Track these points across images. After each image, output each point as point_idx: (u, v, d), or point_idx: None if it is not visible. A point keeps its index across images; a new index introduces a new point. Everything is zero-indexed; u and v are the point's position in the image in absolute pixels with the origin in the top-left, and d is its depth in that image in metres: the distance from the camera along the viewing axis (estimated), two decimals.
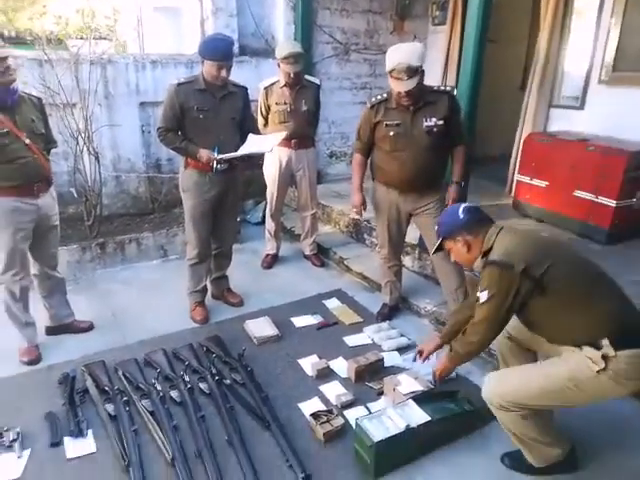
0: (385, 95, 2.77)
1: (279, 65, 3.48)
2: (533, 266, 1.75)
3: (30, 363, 2.73)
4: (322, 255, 4.13)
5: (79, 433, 2.20)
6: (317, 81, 3.80)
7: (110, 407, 2.32)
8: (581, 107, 4.14)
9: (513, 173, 4.43)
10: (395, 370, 2.64)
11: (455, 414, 2.15)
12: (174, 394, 2.43)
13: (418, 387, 2.36)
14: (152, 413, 2.29)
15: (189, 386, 2.45)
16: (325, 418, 2.23)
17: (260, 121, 3.71)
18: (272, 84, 3.62)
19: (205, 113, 2.85)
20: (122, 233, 4.02)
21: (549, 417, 1.99)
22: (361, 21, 5.17)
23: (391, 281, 3.19)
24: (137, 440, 2.15)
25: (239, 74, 3.20)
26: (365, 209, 3.02)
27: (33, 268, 2.81)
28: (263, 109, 3.69)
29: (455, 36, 4.84)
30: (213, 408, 2.37)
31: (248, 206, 5.04)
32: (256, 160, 3.55)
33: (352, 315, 3.25)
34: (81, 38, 4.04)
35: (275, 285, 3.69)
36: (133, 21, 6.17)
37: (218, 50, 2.75)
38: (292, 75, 3.45)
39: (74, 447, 2.15)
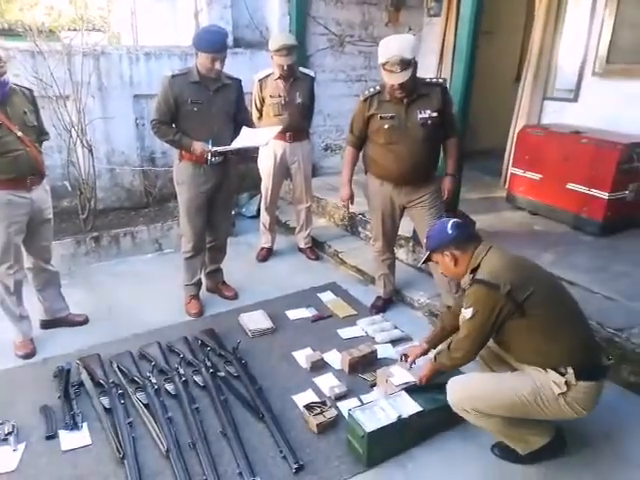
0: (378, 88, 2.77)
1: (272, 57, 3.47)
2: (517, 290, 1.83)
3: (25, 357, 2.74)
4: (317, 248, 4.14)
5: (74, 426, 2.21)
6: (312, 73, 3.79)
7: (105, 400, 2.34)
8: (575, 100, 4.15)
9: (507, 166, 4.45)
10: (388, 362, 2.66)
11: (446, 405, 2.16)
12: (169, 387, 2.44)
13: (410, 378, 2.37)
14: (147, 406, 2.31)
15: (184, 379, 2.47)
16: (318, 409, 2.26)
17: (255, 114, 3.70)
18: (266, 76, 3.61)
19: (199, 105, 2.84)
20: (117, 226, 4.02)
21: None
22: (356, 12, 5.15)
23: (385, 274, 3.21)
24: (132, 432, 2.16)
25: (233, 66, 3.20)
26: (353, 202, 3.03)
27: (27, 262, 2.81)
28: (257, 102, 3.68)
29: (450, 27, 4.82)
30: (208, 400, 2.38)
31: (243, 199, 5.04)
32: (251, 153, 3.55)
33: (346, 308, 3.27)
34: (74, 30, 4.01)
35: (270, 278, 3.70)
36: (127, 12, 6.11)
37: (212, 42, 2.74)
38: (285, 67, 3.44)
39: (69, 440, 2.16)
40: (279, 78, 3.54)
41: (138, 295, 3.42)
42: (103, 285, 3.56)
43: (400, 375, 2.42)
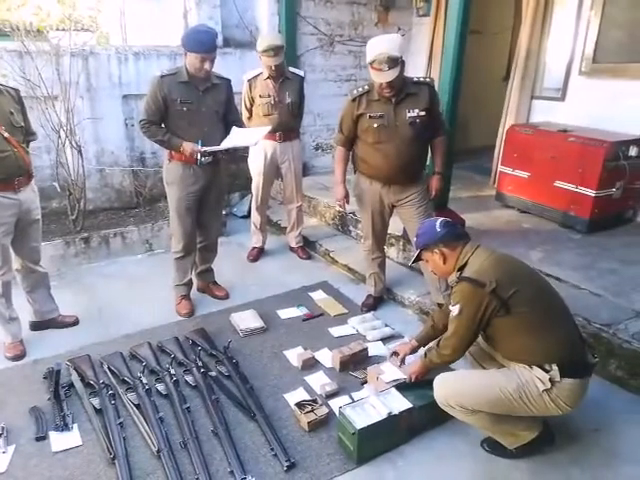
0: (367, 87, 2.78)
1: (260, 58, 3.48)
2: (502, 288, 1.86)
3: (15, 359, 2.72)
4: (308, 248, 4.15)
5: (64, 427, 2.21)
6: (301, 73, 3.80)
7: (95, 401, 2.34)
8: (562, 99, 4.19)
9: (497, 164, 4.48)
10: (379, 360, 2.68)
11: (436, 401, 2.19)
12: (160, 387, 2.44)
13: (401, 375, 2.40)
14: (138, 406, 2.30)
15: (175, 379, 2.47)
16: (309, 407, 2.27)
17: (244, 114, 3.71)
18: (256, 76, 3.61)
19: (189, 105, 2.84)
20: (107, 227, 4.00)
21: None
22: (345, 12, 5.16)
23: (375, 272, 3.22)
24: (123, 433, 2.16)
25: (223, 66, 3.20)
26: (348, 202, 3.05)
27: (16, 263, 2.79)
28: (247, 101, 3.68)
29: (439, 27, 4.84)
30: (199, 400, 2.39)
31: (234, 199, 5.04)
32: (240, 153, 3.55)
33: (337, 306, 3.28)
34: (62, 30, 3.98)
35: (261, 278, 3.70)
36: (116, 12, 6.07)
37: (201, 42, 2.73)
38: (273, 68, 3.44)
39: (60, 441, 2.16)
40: (268, 78, 3.55)
41: (129, 296, 3.41)
42: (93, 286, 3.55)
43: (390, 372, 2.44)
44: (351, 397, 2.41)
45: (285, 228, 4.22)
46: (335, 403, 2.35)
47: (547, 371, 1.87)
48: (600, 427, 2.25)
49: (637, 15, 3.64)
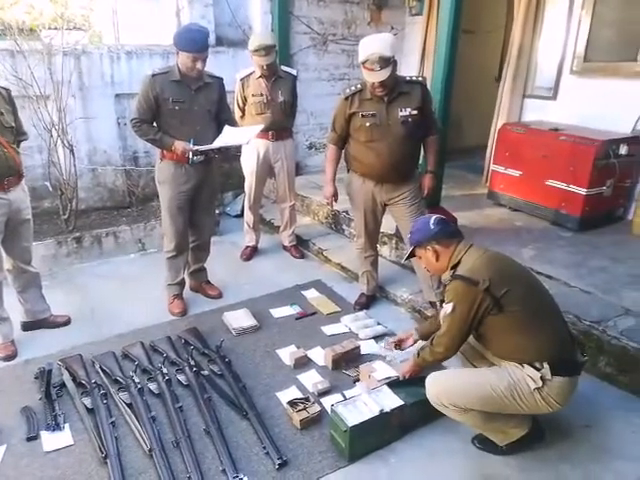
0: (359, 86, 2.79)
1: (252, 57, 3.48)
2: (495, 286, 1.87)
3: (6, 359, 2.71)
4: (301, 246, 4.16)
5: (56, 426, 2.20)
6: (294, 72, 3.80)
7: (87, 400, 2.34)
8: (554, 97, 4.22)
9: (489, 163, 4.50)
10: (371, 358, 2.69)
11: (427, 398, 2.20)
12: (152, 386, 2.44)
13: (393, 373, 2.41)
14: (130, 405, 2.31)
15: (167, 378, 2.47)
16: (302, 406, 2.27)
17: (237, 112, 3.71)
18: (248, 75, 3.61)
19: (181, 104, 2.84)
20: (99, 227, 3.99)
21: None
22: (338, 11, 5.17)
23: (368, 271, 3.23)
24: (115, 432, 2.16)
25: (216, 65, 3.19)
26: (337, 200, 3.06)
27: (7, 263, 2.78)
28: (240, 100, 3.68)
29: (432, 26, 4.85)
30: (191, 399, 2.39)
31: (227, 198, 5.04)
32: (233, 152, 3.55)
33: (330, 305, 3.29)
34: (55, 28, 3.96)
35: (254, 277, 3.70)
36: (108, 11, 6.05)
37: (193, 42, 2.73)
38: (265, 67, 3.45)
39: (51, 440, 2.15)
40: (261, 77, 3.55)
41: (121, 295, 3.40)
42: (85, 286, 3.54)
43: (383, 370, 2.46)
44: (343, 395, 2.42)
45: (278, 227, 4.22)
46: (327, 401, 2.35)
47: (538, 369, 1.89)
48: (590, 423, 2.27)
49: (627, 14, 3.67)
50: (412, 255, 2.22)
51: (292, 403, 2.30)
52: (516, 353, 1.95)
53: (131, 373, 2.49)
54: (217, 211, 4.28)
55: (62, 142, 3.77)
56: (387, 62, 2.53)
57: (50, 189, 3.91)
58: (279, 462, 2.02)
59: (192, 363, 2.58)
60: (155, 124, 2.90)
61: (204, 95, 2.91)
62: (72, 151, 3.81)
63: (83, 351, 2.70)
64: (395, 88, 2.70)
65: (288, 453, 2.09)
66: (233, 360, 2.66)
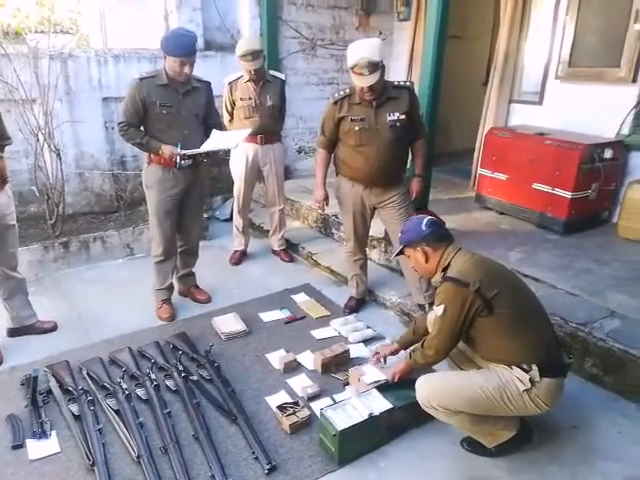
0: (348, 90, 2.81)
1: (240, 62, 3.48)
2: (485, 288, 1.89)
3: None
4: (291, 250, 4.16)
5: (42, 434, 2.17)
6: (282, 76, 3.81)
7: (74, 407, 2.31)
8: (540, 102, 4.27)
9: (476, 167, 4.54)
10: (361, 361, 2.69)
11: (416, 401, 2.20)
12: (140, 392, 2.42)
13: (382, 377, 2.41)
14: (117, 412, 2.28)
15: (155, 383, 2.45)
16: (291, 410, 2.27)
17: (225, 116, 3.71)
18: (236, 79, 3.61)
19: (168, 109, 2.83)
20: (86, 231, 3.96)
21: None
22: (327, 16, 5.20)
23: (357, 274, 3.24)
24: (102, 439, 2.14)
25: (204, 69, 3.20)
26: (327, 204, 3.07)
27: None
28: (228, 104, 3.68)
29: (419, 32, 4.90)
30: (180, 404, 2.37)
31: (216, 202, 5.02)
32: (221, 156, 3.55)
33: (320, 309, 3.29)
34: (41, 32, 3.94)
35: (243, 281, 3.69)
36: (96, 14, 6.03)
37: (181, 46, 2.72)
38: (253, 72, 3.45)
39: (37, 448, 2.12)
40: (249, 81, 3.55)
41: (109, 301, 3.37)
42: (72, 291, 3.51)
43: (372, 374, 2.46)
44: (333, 399, 2.42)
45: (268, 231, 4.22)
46: (317, 405, 2.35)
47: (527, 371, 1.91)
48: (577, 424, 2.30)
49: (611, 20, 3.73)
50: (401, 253, 2.22)
51: (281, 407, 2.29)
52: (505, 355, 1.96)
53: (119, 379, 2.47)
54: (206, 215, 4.28)
55: (49, 146, 3.74)
56: (376, 67, 2.56)
57: (37, 194, 3.87)
58: (268, 467, 2.01)
59: (181, 368, 2.56)
60: (142, 128, 2.89)
61: (192, 99, 2.90)
62: (59, 155, 3.78)
63: (70, 357, 2.67)
64: (384, 93, 2.72)
65: (277, 458, 2.09)
66: (222, 365, 2.65)
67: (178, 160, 2.84)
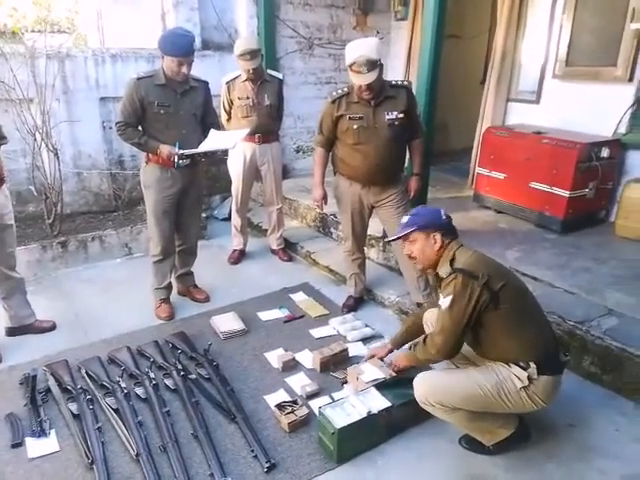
0: (346, 89, 2.82)
1: (238, 62, 3.48)
2: (493, 280, 1.88)
3: None
4: (289, 250, 4.16)
5: (41, 433, 2.18)
6: (280, 75, 3.82)
7: (73, 406, 2.31)
8: (537, 101, 4.28)
9: (474, 166, 4.55)
10: (359, 360, 2.68)
11: (415, 400, 2.21)
12: (139, 391, 2.42)
13: (380, 375, 2.42)
14: (116, 410, 2.28)
15: (154, 382, 2.45)
16: (290, 408, 2.27)
17: (223, 116, 3.71)
18: (234, 79, 3.61)
19: (166, 108, 2.83)
20: (84, 231, 3.96)
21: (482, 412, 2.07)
22: (324, 15, 5.20)
23: (355, 273, 3.25)
24: (101, 437, 2.14)
25: (202, 68, 3.20)
26: (326, 203, 3.08)
27: None
28: (226, 104, 3.68)
29: (417, 31, 4.89)
30: (179, 403, 2.38)
31: (215, 202, 5.03)
32: (219, 155, 3.55)
33: (318, 308, 3.30)
34: (38, 31, 3.93)
35: (242, 280, 3.70)
36: (93, 14, 6.02)
37: (178, 46, 2.72)
38: (251, 71, 3.45)
39: (36, 447, 2.13)
40: (247, 80, 3.55)
41: (107, 300, 3.38)
42: (71, 291, 3.50)
43: (370, 372, 2.46)
44: (331, 397, 2.42)
45: (266, 230, 4.22)
46: (316, 403, 2.35)
47: (525, 369, 1.91)
48: (575, 422, 2.31)
49: (607, 19, 3.74)
50: (405, 237, 2.11)
51: (280, 406, 2.30)
52: (504, 353, 1.97)
53: (118, 378, 2.47)
54: (204, 215, 4.28)
55: (46, 146, 3.74)
56: (374, 65, 2.56)
57: (35, 193, 3.87)
58: (267, 465, 2.02)
59: (179, 367, 2.57)
60: (140, 128, 2.89)
61: (190, 99, 2.90)
62: (57, 155, 3.77)
63: (69, 356, 2.67)
64: (382, 92, 2.73)
65: (276, 456, 2.09)
66: (221, 364, 2.65)
67: (176, 160, 2.84)
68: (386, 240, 2.78)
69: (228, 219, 4.48)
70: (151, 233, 3.10)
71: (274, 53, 4.91)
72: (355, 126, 2.77)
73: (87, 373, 2.53)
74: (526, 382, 1.90)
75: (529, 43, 4.27)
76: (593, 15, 3.82)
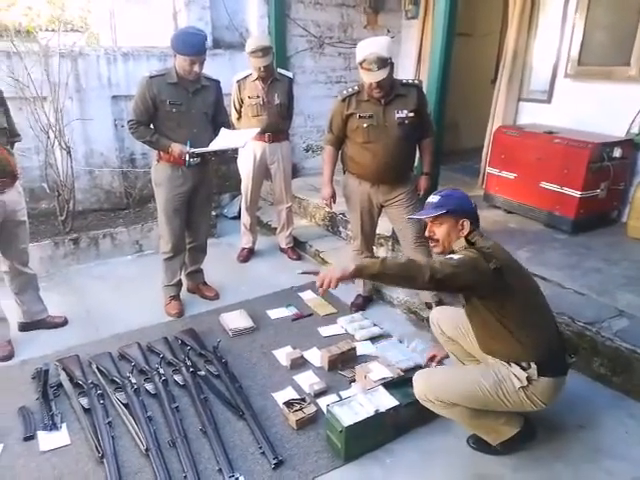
0: (357, 88, 2.82)
1: (249, 59, 3.50)
2: (504, 271, 1.85)
3: (3, 359, 2.72)
4: (298, 248, 4.17)
5: (53, 426, 2.21)
6: (290, 74, 3.83)
7: (84, 400, 2.34)
8: (548, 101, 4.25)
9: (484, 165, 4.53)
10: (367, 359, 2.70)
11: None
12: (149, 386, 2.45)
13: (388, 374, 2.43)
14: (126, 405, 2.31)
15: (164, 378, 2.47)
16: (298, 406, 2.28)
17: (234, 114, 3.73)
18: (245, 77, 3.63)
19: (178, 107, 2.85)
20: (96, 228, 4.00)
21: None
22: (335, 14, 5.20)
23: None
24: (111, 432, 2.17)
25: (213, 67, 3.21)
26: (335, 201, 3.08)
27: (4, 265, 2.79)
28: (236, 102, 3.70)
29: (427, 30, 4.88)
30: (188, 399, 2.40)
31: (225, 200, 5.05)
32: (229, 154, 3.57)
33: (327, 306, 3.30)
34: (52, 30, 3.98)
35: (251, 278, 3.71)
36: (106, 13, 6.07)
37: (190, 45, 2.74)
38: (262, 69, 3.47)
39: (48, 440, 2.16)
40: (257, 79, 3.57)
41: (118, 296, 3.41)
42: (82, 287, 3.55)
43: (378, 371, 2.47)
44: (339, 396, 2.43)
45: (275, 229, 4.24)
46: (323, 402, 2.36)
47: (525, 369, 1.90)
48: (584, 423, 2.29)
49: (620, 18, 3.70)
50: (435, 218, 2.02)
51: (288, 403, 2.31)
52: (507, 350, 1.95)
53: (128, 373, 2.50)
54: (214, 213, 4.30)
55: (59, 144, 3.78)
56: (384, 63, 2.56)
57: (47, 190, 3.92)
58: (275, 462, 2.03)
59: (189, 364, 2.59)
60: (152, 126, 2.91)
61: (201, 98, 2.92)
62: (69, 153, 3.81)
63: (80, 351, 2.71)
64: (392, 90, 2.73)
65: (284, 453, 2.10)
66: (230, 361, 2.67)
67: (187, 158, 2.86)
68: (409, 217, 2.64)
69: (238, 217, 4.51)
70: (162, 231, 3.12)
71: (285, 52, 4.92)
72: (365, 125, 2.77)
73: (98, 368, 2.56)
74: (525, 383, 1.89)
75: (541, 42, 4.24)
76: (606, 14, 3.79)
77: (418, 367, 2.52)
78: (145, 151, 4.39)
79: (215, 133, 2.99)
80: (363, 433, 2.08)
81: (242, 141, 3.07)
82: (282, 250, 4.15)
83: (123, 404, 2.31)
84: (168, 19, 4.70)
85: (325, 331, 3.02)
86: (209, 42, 4.34)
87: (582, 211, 3.57)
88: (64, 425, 2.24)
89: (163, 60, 4.34)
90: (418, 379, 2.07)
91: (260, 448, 2.10)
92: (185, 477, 1.96)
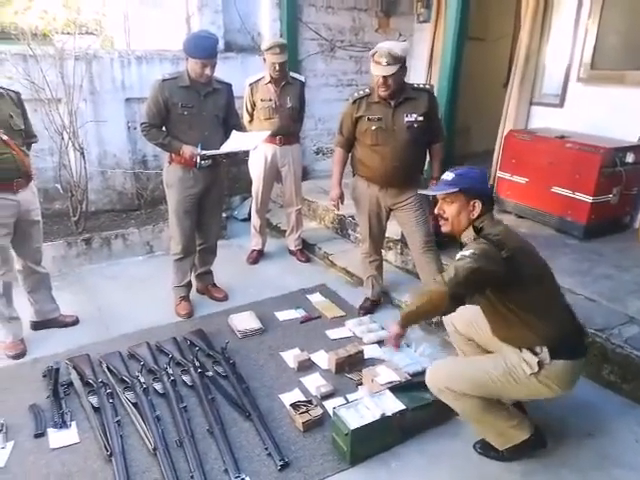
0: (367, 90, 2.84)
1: (265, 60, 3.52)
2: (516, 258, 1.82)
3: (15, 357, 2.76)
4: (307, 251, 4.19)
5: (63, 424, 2.24)
6: (302, 78, 3.85)
7: (94, 399, 2.37)
8: (561, 105, 4.21)
9: (495, 169, 4.50)
10: (375, 362, 2.70)
11: (430, 403, 2.21)
12: (157, 386, 2.48)
13: (396, 378, 2.43)
14: (135, 404, 2.34)
15: (172, 378, 2.50)
16: (304, 408, 2.29)
17: (245, 117, 3.76)
18: (257, 80, 3.66)
19: (189, 110, 2.88)
20: (108, 229, 4.05)
21: (501, 405, 2.05)
22: (346, 18, 5.22)
23: (373, 275, 3.25)
24: (120, 430, 2.19)
25: (225, 70, 3.24)
26: (343, 203, 3.10)
27: (17, 264, 2.84)
28: (249, 105, 3.73)
29: (439, 34, 4.86)
30: (195, 399, 2.42)
31: (235, 202, 5.08)
32: (240, 156, 3.60)
33: (335, 309, 3.31)
34: (67, 33, 4.03)
35: (260, 280, 3.73)
36: (120, 16, 6.15)
37: (202, 48, 2.78)
38: (277, 67, 3.48)
39: (58, 438, 2.19)
40: (270, 82, 3.59)
41: (128, 296, 3.45)
42: (94, 287, 3.59)
43: (386, 375, 2.47)
44: (346, 398, 2.43)
45: (285, 231, 4.25)
46: (330, 404, 2.36)
47: (537, 354, 1.87)
48: (593, 431, 2.27)
49: (634, 22, 3.67)
50: (447, 194, 1.96)
51: (295, 405, 2.32)
52: (518, 335, 1.92)
53: (137, 373, 2.53)
54: (224, 215, 4.33)
55: (73, 145, 3.84)
56: (395, 59, 2.57)
57: (61, 191, 3.97)
58: (281, 463, 2.04)
59: (197, 364, 2.61)
60: (164, 128, 2.94)
61: (213, 101, 2.95)
62: (83, 154, 3.87)
63: (90, 350, 2.74)
64: (401, 92, 2.73)
65: (290, 455, 2.11)
66: (237, 362, 2.69)
67: (198, 160, 2.89)
68: (420, 192, 2.56)
69: (248, 219, 4.53)
70: (172, 232, 3.15)
71: (296, 55, 4.95)
72: (373, 127, 2.78)
73: (108, 367, 2.59)
74: (535, 368, 1.86)
75: (553, 46, 4.21)
76: (619, 18, 3.76)
77: (425, 371, 2.51)
78: (157, 153, 4.44)
79: (226, 136, 3.01)
80: (369, 436, 2.09)
81: (253, 143, 3.09)
82: (291, 252, 4.16)
83: (132, 403, 2.34)
84: (181, 23, 4.75)
85: (333, 334, 3.03)
86: (221, 45, 4.39)
87: (594, 216, 3.54)
88: (74, 423, 2.27)
89: (176, 63, 4.38)
90: (430, 369, 2.08)
91: (266, 449, 2.12)
92: (192, 477, 1.97)
